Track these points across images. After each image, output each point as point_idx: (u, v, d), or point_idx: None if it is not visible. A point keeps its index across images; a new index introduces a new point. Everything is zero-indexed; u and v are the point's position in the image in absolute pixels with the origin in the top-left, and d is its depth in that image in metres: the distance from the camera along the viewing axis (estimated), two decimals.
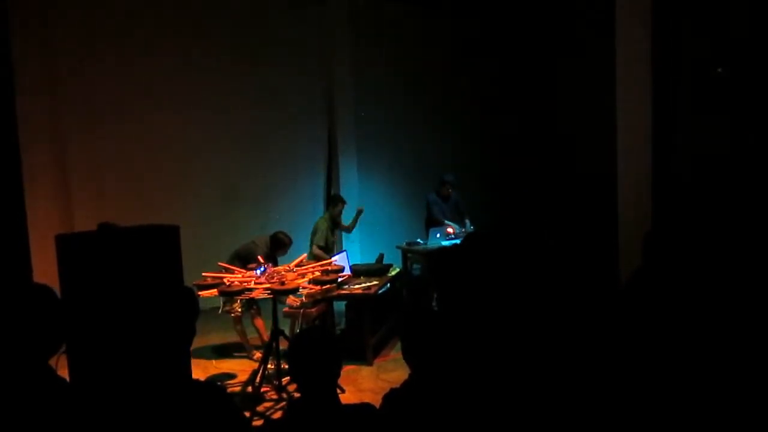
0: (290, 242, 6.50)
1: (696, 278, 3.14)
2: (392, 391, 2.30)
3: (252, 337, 6.47)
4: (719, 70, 5.17)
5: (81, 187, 7.61)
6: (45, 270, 3.74)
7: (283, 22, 8.82)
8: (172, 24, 8.09)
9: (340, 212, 7.46)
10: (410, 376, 2.33)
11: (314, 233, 7.08)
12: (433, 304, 7.11)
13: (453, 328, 2.30)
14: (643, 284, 3.21)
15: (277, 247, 6.41)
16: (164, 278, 3.14)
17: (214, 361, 6.35)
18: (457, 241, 7.65)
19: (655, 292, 3.09)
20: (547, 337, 2.87)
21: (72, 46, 7.50)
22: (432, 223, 7.98)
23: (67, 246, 3.37)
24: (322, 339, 2.16)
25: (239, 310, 6.22)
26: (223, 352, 6.62)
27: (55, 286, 3.27)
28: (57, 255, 3.37)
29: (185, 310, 2.02)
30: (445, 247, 7.17)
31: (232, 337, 6.63)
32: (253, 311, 6.31)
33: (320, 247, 6.95)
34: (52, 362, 2.12)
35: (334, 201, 7.52)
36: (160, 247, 3.32)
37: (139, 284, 3.02)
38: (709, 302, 2.99)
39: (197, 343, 2.17)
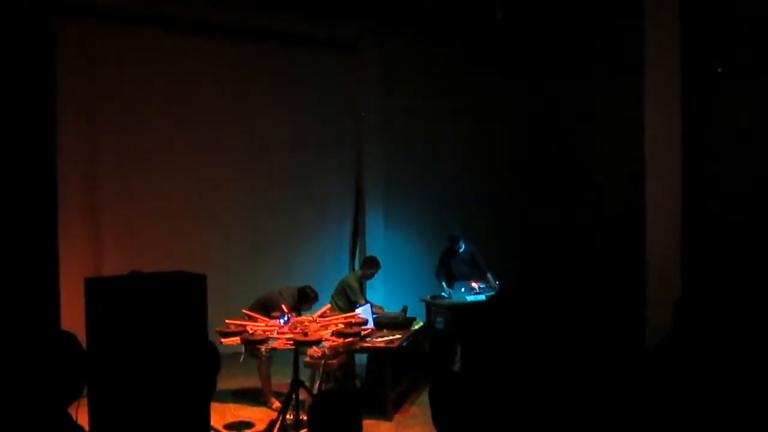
0: (316, 298, 6.53)
1: (730, 348, 3.05)
2: None
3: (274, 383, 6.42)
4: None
5: (111, 230, 7.76)
6: (72, 310, 3.79)
7: (315, 69, 8.99)
8: (204, 69, 8.30)
9: (373, 275, 7.48)
10: None
11: (350, 289, 7.07)
12: (456, 359, 7.03)
13: (483, 393, 2.25)
14: (673, 351, 3.13)
15: (303, 301, 6.44)
16: (189, 328, 3.14)
17: (232, 407, 6.30)
18: (482, 296, 7.62)
19: (686, 360, 3.00)
20: (576, 401, 2.80)
21: (110, 94, 7.74)
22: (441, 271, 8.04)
23: (96, 290, 3.41)
24: (343, 403, 2.14)
25: (264, 353, 6.19)
26: (242, 397, 6.56)
27: (81, 326, 3.31)
28: (85, 298, 3.41)
29: (207, 367, 2.02)
30: (472, 307, 7.15)
31: (252, 383, 6.59)
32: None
33: (355, 302, 6.97)
34: (72, 409, 2.13)
35: (369, 263, 7.50)
36: (186, 296, 3.34)
37: (164, 333, 3.03)
38: (743, 373, 2.90)
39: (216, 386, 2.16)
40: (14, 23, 2.94)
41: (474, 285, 7.80)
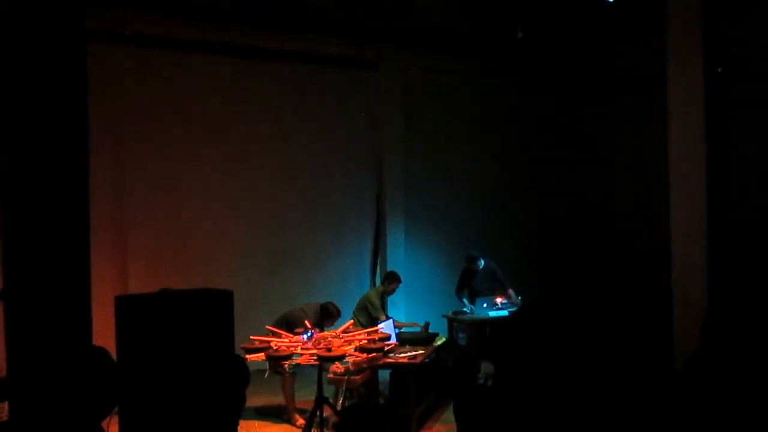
0: (339, 314, 6.57)
1: (762, 368, 3.00)
2: None
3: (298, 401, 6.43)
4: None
5: (137, 248, 7.89)
6: (97, 327, 3.86)
7: (335, 89, 9.09)
8: (226, 90, 8.42)
9: (394, 290, 7.50)
10: None
11: (371, 305, 7.10)
12: (479, 375, 7.01)
13: (508, 409, 2.25)
14: (701, 372, 3.09)
15: (326, 317, 6.48)
16: (218, 344, 3.19)
17: (256, 424, 6.32)
18: (504, 312, 7.61)
19: (715, 382, 2.96)
20: (603, 417, 2.78)
21: (136, 116, 7.92)
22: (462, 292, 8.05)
23: (126, 307, 3.47)
24: (368, 420, 2.16)
25: (288, 369, 6.22)
26: (266, 415, 6.58)
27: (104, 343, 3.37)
28: (115, 316, 3.47)
29: (237, 381, 2.06)
30: (496, 323, 7.15)
31: (276, 400, 6.61)
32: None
33: (376, 318, 6.98)
34: (104, 423, 2.18)
35: (390, 278, 7.55)
36: (214, 312, 3.39)
37: (193, 349, 3.08)
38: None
39: None
40: (49, 46, 3.05)
41: (497, 300, 7.81)
